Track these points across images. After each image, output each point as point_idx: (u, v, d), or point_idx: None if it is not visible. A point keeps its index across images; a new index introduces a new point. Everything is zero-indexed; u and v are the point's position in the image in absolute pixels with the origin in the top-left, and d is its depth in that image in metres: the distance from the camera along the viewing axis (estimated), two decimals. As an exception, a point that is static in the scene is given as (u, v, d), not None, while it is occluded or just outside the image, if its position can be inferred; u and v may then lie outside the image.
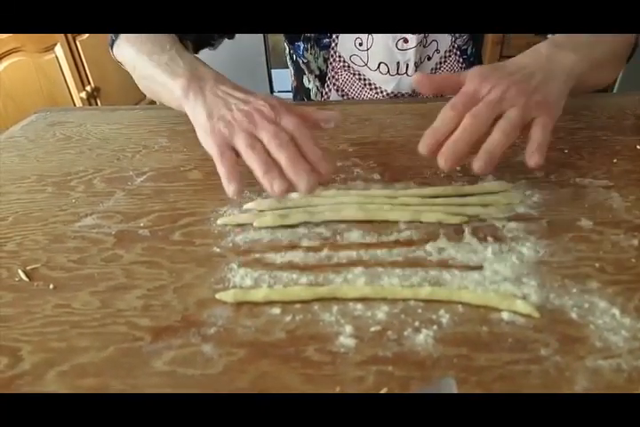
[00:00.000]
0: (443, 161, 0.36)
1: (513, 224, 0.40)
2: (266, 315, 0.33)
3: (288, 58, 0.87)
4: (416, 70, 0.76)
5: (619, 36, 0.53)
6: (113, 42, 0.60)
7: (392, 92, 0.79)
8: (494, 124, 0.37)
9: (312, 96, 0.85)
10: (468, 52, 0.80)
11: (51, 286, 0.36)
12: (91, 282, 0.36)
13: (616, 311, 0.31)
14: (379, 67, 0.77)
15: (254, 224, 0.41)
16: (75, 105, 1.75)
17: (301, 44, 0.80)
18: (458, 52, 0.79)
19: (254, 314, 0.33)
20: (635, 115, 0.60)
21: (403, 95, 0.79)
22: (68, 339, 0.31)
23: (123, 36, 0.58)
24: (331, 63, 0.79)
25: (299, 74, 0.86)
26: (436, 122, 0.38)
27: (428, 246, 0.38)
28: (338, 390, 0.27)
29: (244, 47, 2.29)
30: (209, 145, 0.41)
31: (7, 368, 0.30)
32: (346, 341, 0.30)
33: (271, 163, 0.38)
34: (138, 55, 0.53)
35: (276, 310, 0.33)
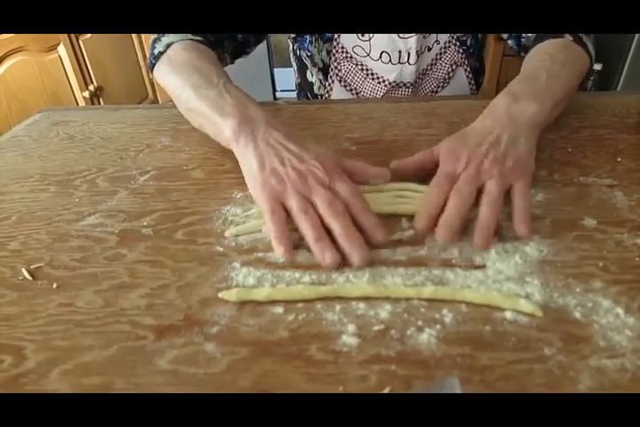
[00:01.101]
0: (441, 239, 0.37)
1: (516, 223, 0.40)
2: (269, 314, 0.33)
3: (291, 54, 0.88)
4: (417, 60, 0.77)
5: (572, 71, 0.54)
6: (153, 65, 0.60)
7: (394, 81, 0.79)
8: (478, 195, 0.40)
9: (315, 90, 0.86)
10: (468, 44, 0.81)
11: (54, 285, 0.36)
12: (94, 281, 0.36)
13: (620, 311, 0.31)
14: (380, 56, 0.78)
15: (263, 230, 0.40)
16: (78, 104, 1.75)
17: (307, 38, 0.81)
18: (457, 43, 0.79)
19: (257, 313, 0.33)
20: (639, 113, 0.59)
21: (404, 84, 0.80)
22: (71, 338, 0.32)
23: (165, 62, 0.57)
24: (334, 55, 0.80)
25: (302, 69, 0.86)
26: (425, 200, 0.40)
27: (432, 246, 0.38)
28: (340, 389, 0.27)
29: (247, 46, 2.28)
30: (259, 198, 0.41)
31: (11, 367, 0.30)
32: (349, 340, 0.30)
33: (323, 230, 0.37)
34: (184, 87, 0.52)
35: (279, 309, 0.33)
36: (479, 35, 0.83)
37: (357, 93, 0.83)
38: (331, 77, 0.82)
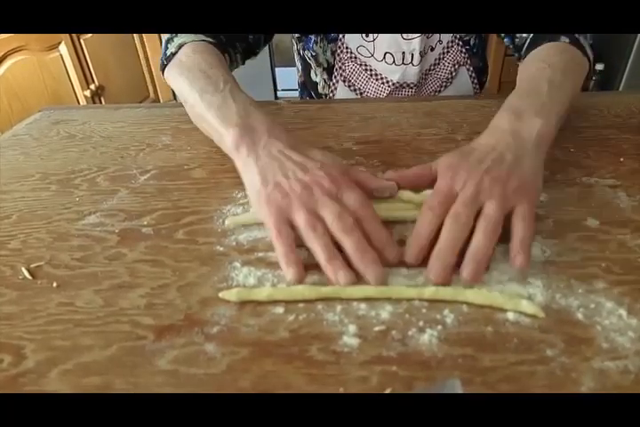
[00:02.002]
0: (434, 278, 0.34)
1: (518, 223, 0.40)
2: (269, 314, 0.33)
3: (295, 54, 0.88)
4: (421, 60, 0.77)
5: (574, 79, 0.52)
6: (164, 66, 0.59)
7: (397, 82, 0.80)
8: (476, 218, 0.36)
9: (319, 89, 0.86)
10: (471, 43, 0.81)
11: (54, 285, 0.36)
12: (94, 280, 0.36)
13: (623, 312, 0.31)
14: (384, 57, 0.78)
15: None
16: (79, 103, 1.75)
17: (312, 38, 0.81)
18: (460, 43, 0.79)
19: (258, 313, 0.33)
20: (642, 113, 0.59)
21: (408, 85, 0.80)
22: (71, 337, 0.31)
23: (175, 65, 0.56)
24: (338, 55, 0.80)
25: (306, 68, 0.87)
26: (417, 225, 0.36)
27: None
28: (341, 390, 0.27)
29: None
30: (264, 216, 0.38)
31: (11, 366, 0.30)
32: (349, 340, 0.30)
33: (334, 248, 0.35)
34: (191, 91, 0.51)
35: (280, 310, 0.33)
36: (482, 34, 0.83)
37: (361, 93, 0.83)
38: (335, 77, 0.83)
